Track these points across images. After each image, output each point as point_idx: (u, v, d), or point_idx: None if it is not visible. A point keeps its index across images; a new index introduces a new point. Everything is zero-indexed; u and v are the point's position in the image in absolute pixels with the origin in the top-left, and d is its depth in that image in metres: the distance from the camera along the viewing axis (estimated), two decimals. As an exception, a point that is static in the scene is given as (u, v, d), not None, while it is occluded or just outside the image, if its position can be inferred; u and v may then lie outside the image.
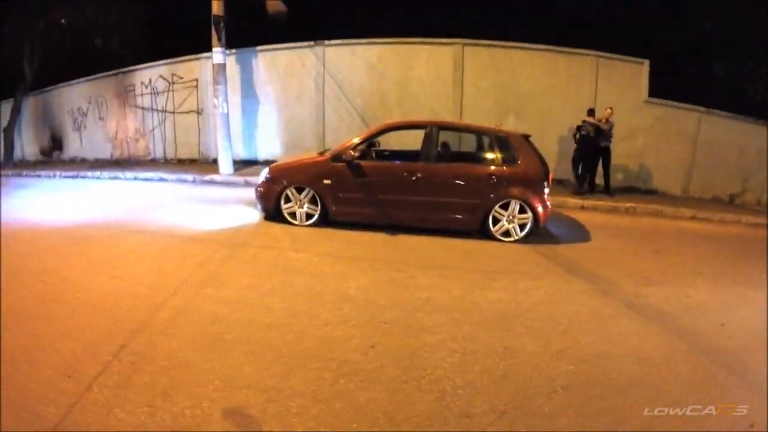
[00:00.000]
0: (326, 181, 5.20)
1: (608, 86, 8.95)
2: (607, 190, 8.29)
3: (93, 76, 11.30)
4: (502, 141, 5.38)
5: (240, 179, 8.39)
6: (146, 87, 10.69)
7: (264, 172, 5.58)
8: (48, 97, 12.02)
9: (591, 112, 8.27)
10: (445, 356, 2.60)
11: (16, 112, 11.00)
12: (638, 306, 3.51)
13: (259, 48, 9.84)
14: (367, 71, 9.53)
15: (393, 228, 5.34)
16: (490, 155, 5.46)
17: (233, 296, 3.33)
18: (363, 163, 5.24)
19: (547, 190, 5.21)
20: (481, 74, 9.24)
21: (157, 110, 10.70)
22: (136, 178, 8.79)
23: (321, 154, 5.73)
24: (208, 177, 8.49)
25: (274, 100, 9.96)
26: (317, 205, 5.30)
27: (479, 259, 4.59)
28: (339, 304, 3.26)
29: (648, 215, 7.37)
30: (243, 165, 9.69)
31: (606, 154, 8.24)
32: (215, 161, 9.29)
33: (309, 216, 5.37)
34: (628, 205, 7.52)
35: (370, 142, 5.51)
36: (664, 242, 5.76)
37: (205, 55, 9.57)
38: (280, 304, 3.24)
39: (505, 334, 2.92)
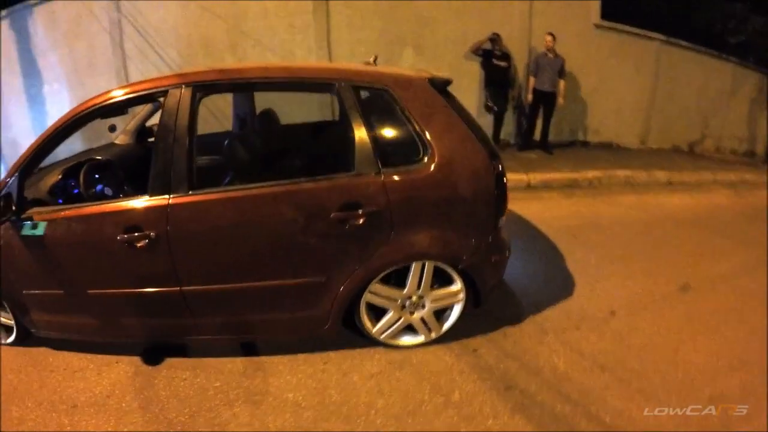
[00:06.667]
0: None
1: (548, 5, 6.63)
2: (546, 146, 6.49)
3: None
4: (380, 102, 2.24)
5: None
6: None
7: None
8: None
9: (494, 41, 6.22)
10: None
11: None
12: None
13: (33, 1, 6.36)
14: (181, 7, 6.28)
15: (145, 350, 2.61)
16: (354, 146, 2.14)
17: None
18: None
19: (502, 220, 2.40)
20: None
21: None
22: None
23: None
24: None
25: (63, 74, 6.65)
26: (7, 310, 2.63)
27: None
28: None
29: (619, 188, 5.44)
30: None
31: (550, 100, 6.31)
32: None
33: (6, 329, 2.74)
34: (590, 175, 5.52)
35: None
36: (680, 251, 3.68)
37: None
38: None
39: None
